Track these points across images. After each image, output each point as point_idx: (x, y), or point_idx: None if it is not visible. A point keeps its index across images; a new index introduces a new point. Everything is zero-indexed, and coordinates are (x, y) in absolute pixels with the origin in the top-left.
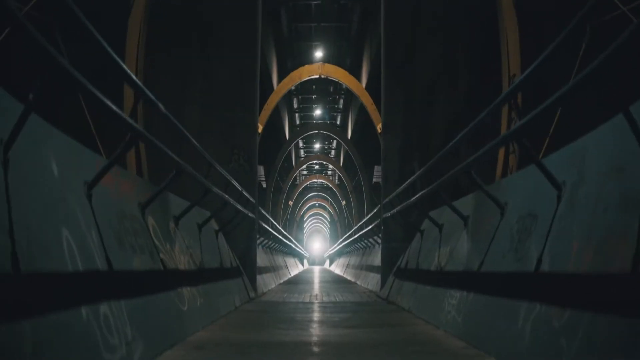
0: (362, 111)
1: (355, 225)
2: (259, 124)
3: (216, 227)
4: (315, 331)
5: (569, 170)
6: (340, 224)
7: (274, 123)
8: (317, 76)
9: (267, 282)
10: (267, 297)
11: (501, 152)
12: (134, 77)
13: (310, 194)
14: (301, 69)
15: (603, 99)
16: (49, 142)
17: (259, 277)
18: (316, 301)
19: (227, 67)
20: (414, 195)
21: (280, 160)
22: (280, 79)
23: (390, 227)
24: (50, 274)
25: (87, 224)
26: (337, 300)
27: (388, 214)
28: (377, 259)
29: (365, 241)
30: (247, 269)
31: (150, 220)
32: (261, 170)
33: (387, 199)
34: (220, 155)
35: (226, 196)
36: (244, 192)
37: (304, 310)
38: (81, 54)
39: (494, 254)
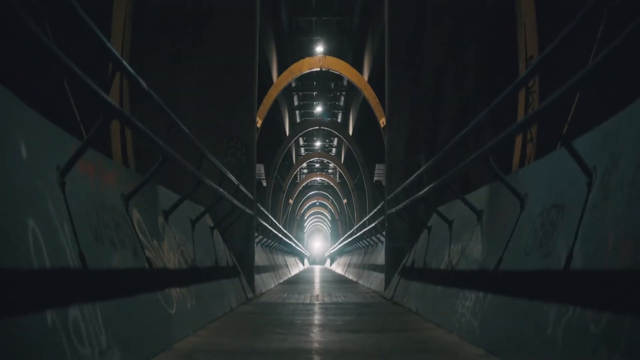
0: (363, 107)
1: (356, 224)
2: (257, 118)
3: (211, 223)
4: (317, 336)
5: (599, 154)
6: (341, 223)
7: (274, 119)
8: (318, 69)
9: (266, 282)
10: (266, 297)
11: (518, 141)
12: (108, 44)
13: (310, 192)
14: (301, 61)
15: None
16: (16, 117)
17: (257, 277)
18: (317, 302)
19: (224, 55)
20: (420, 191)
21: (280, 157)
22: (280, 73)
23: (394, 224)
24: (9, 271)
25: (59, 214)
26: (339, 301)
27: (393, 210)
28: (380, 258)
29: (367, 240)
30: (245, 269)
31: (135, 214)
32: (261, 168)
33: (391, 195)
34: (216, 148)
35: (220, 189)
36: (241, 187)
37: (304, 312)
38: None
39: (514, 250)
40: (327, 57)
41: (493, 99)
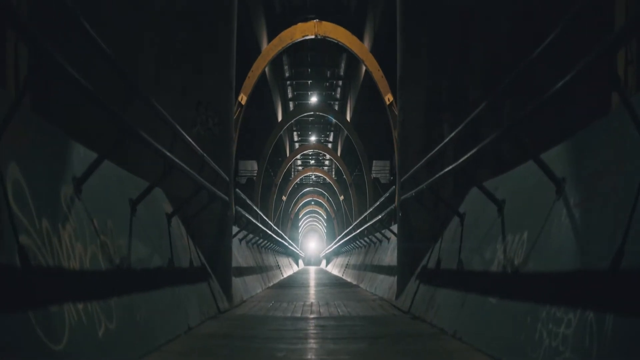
0: (363, 94)
1: (355, 221)
2: (242, 95)
3: (168, 209)
4: None
5: None
6: (337, 222)
7: (264, 106)
8: (313, 36)
9: (251, 287)
10: (245, 308)
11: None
12: None
13: (305, 190)
14: (293, 28)
15: None
16: None
17: (238, 281)
18: (311, 316)
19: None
20: (442, 169)
21: (271, 146)
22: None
23: (410, 212)
24: None
25: None
26: (341, 313)
27: (409, 195)
28: (387, 257)
29: (368, 238)
30: (218, 271)
31: (12, 171)
32: (254, 165)
33: (406, 175)
34: (181, 115)
35: (169, 155)
36: (208, 160)
37: (292, 333)
38: None
39: None
40: (324, 22)
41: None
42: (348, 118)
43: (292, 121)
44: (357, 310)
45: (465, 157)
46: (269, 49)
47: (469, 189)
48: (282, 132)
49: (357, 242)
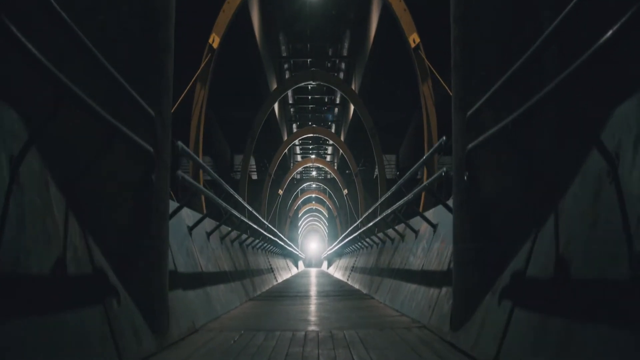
0: (372, 63)
1: (361, 216)
2: (214, 35)
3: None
4: None
5: None
6: (340, 220)
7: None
8: None
9: (220, 302)
10: (189, 348)
11: None
12: None
13: (305, 184)
14: None
15: None
16: None
17: (189, 296)
18: None
19: None
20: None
21: (262, 120)
22: None
23: (483, 174)
24: None
25: None
26: None
27: (485, 138)
28: (418, 258)
29: (383, 233)
30: (137, 280)
31: None
32: (251, 160)
33: (479, 104)
34: None
35: None
36: (111, 70)
37: None
38: None
39: None
40: None
41: None
42: (354, 83)
43: (289, 90)
44: (388, 355)
45: None
46: None
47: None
48: (278, 119)
49: (365, 240)
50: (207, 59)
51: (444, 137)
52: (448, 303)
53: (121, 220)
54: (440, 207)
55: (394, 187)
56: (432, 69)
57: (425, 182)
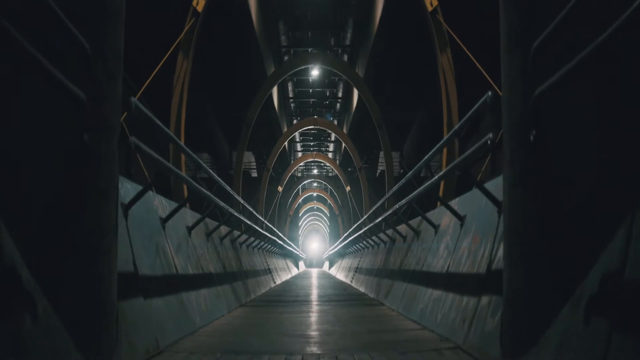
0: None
1: (366, 214)
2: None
3: None
4: None
5: None
6: (342, 219)
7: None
8: None
9: (200, 312)
10: None
11: None
12: None
13: (306, 181)
14: None
15: None
16: None
17: (155, 305)
18: None
19: None
20: None
21: (258, 107)
22: None
23: (558, 136)
24: None
25: None
26: None
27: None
28: (441, 260)
29: (393, 230)
30: (68, 284)
31: None
32: (250, 157)
33: (550, 28)
34: None
35: None
36: None
37: None
38: None
39: None
40: None
41: None
42: (359, 67)
43: (287, 76)
44: None
45: None
46: None
47: None
48: (278, 114)
49: (371, 239)
50: (190, 23)
51: (490, 93)
52: (494, 317)
53: (45, 200)
54: (468, 195)
55: (411, 172)
56: (453, 34)
57: (460, 157)
